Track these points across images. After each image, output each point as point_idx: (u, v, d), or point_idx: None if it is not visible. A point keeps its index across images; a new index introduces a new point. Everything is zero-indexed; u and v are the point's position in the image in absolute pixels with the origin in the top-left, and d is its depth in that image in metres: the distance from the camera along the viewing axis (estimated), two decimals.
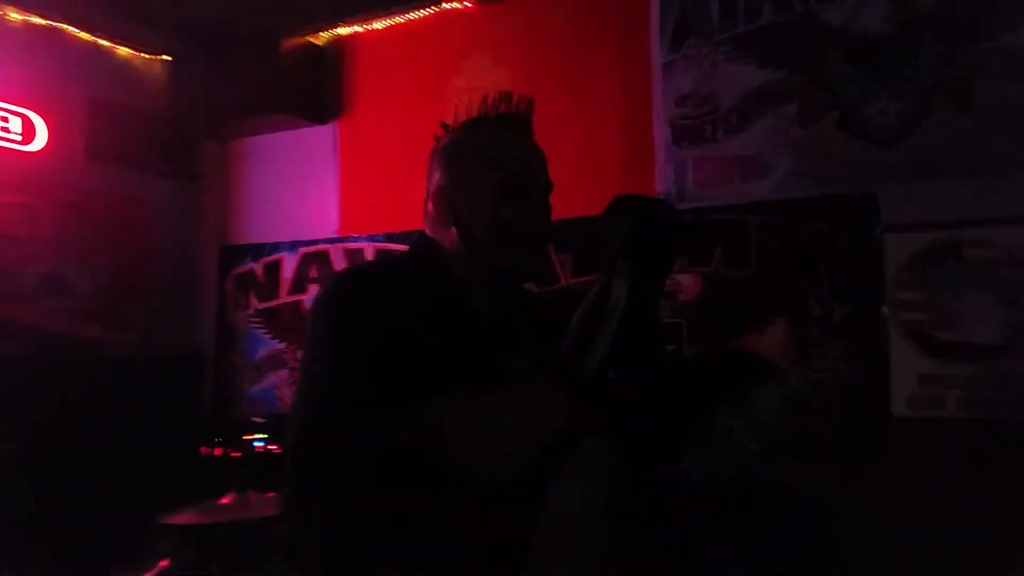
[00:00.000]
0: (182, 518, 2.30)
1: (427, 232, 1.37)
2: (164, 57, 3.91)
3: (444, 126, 1.41)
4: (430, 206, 1.35)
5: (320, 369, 1.20)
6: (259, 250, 3.96)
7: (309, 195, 3.88)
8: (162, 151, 3.91)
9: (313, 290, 3.72)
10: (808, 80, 2.82)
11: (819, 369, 2.68)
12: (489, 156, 1.31)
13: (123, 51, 3.77)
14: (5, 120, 3.22)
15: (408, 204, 3.27)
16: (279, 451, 3.06)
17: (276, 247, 3.90)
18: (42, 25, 3.41)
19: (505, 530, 1.19)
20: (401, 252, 1.43)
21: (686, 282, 2.94)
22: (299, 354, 1.12)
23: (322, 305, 1.23)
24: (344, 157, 3.80)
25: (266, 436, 3.14)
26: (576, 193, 3.27)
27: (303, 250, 3.82)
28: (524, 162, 1.32)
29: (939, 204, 2.55)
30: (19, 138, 3.27)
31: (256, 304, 3.94)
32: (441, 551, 1.15)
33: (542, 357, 1.24)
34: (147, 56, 3.86)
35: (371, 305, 1.17)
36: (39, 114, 3.34)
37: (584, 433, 1.17)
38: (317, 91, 3.82)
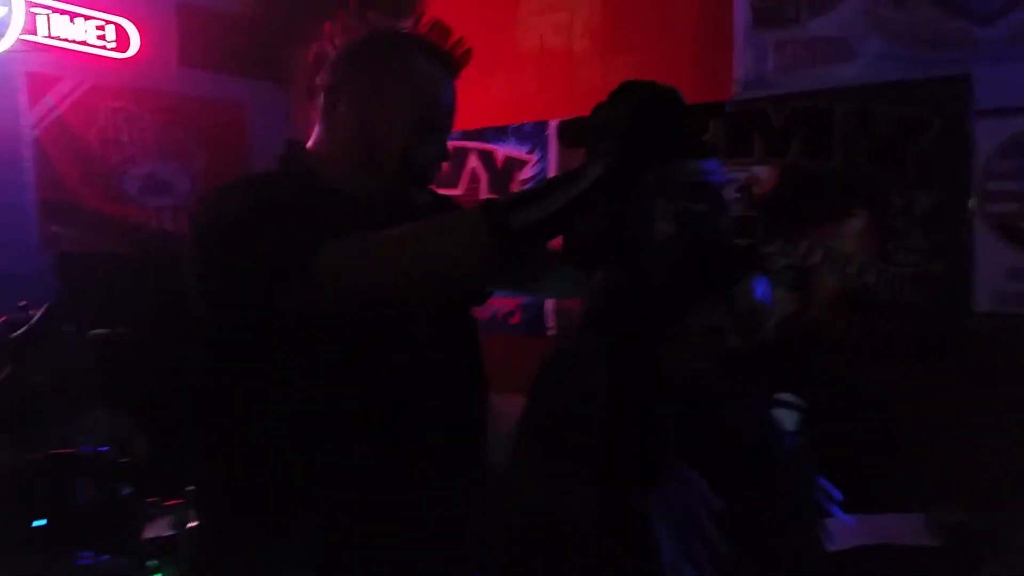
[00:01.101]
0: None
1: (316, 123, 1.33)
2: None
3: (362, 15, 1.34)
4: (331, 102, 1.29)
5: (206, 265, 1.18)
6: None
7: None
8: (252, 55, 4.01)
9: None
10: None
11: (900, 263, 2.57)
12: (417, 91, 1.26)
13: None
14: (101, 29, 3.38)
15: (484, 101, 3.28)
16: None
17: None
18: None
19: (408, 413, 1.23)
20: (270, 167, 1.37)
21: (762, 174, 2.85)
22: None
23: (196, 214, 1.23)
24: None
25: None
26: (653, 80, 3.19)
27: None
28: (447, 109, 1.30)
29: None
30: (114, 45, 3.42)
31: None
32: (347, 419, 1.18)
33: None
34: None
35: (246, 192, 1.19)
36: (132, 21, 3.48)
37: (495, 279, 1.16)
38: None
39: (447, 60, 1.30)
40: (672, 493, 1.04)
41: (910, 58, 2.59)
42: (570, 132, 1.20)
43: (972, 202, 2.45)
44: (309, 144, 1.35)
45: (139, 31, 3.50)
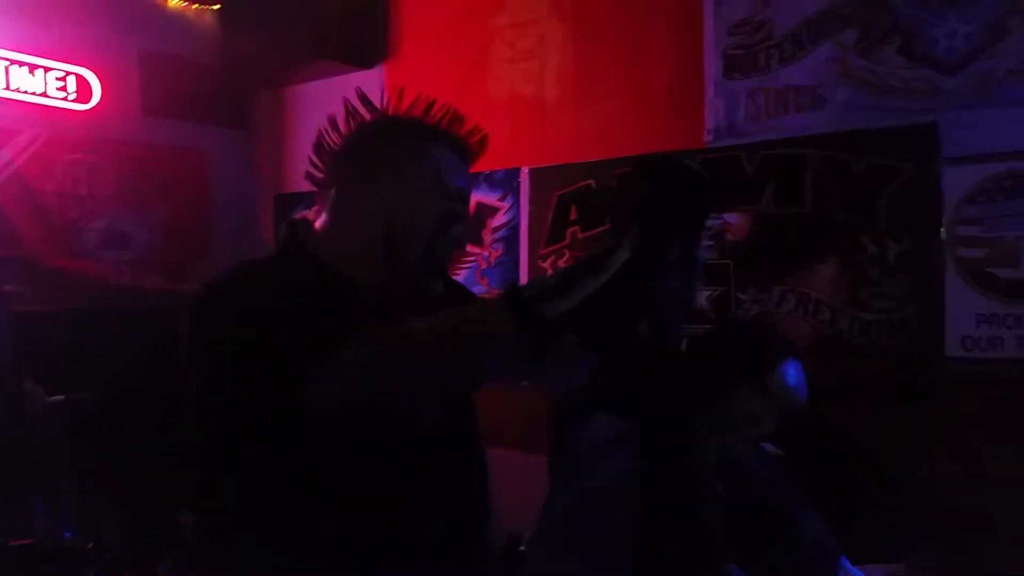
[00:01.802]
0: None
1: (322, 213, 1.28)
2: (213, 7, 3.92)
3: (366, 101, 1.30)
4: (345, 195, 1.25)
5: (211, 370, 1.15)
6: (312, 198, 3.99)
7: None
8: (215, 102, 3.96)
9: None
10: (869, 3, 2.65)
11: (872, 309, 2.58)
12: (441, 181, 1.24)
13: (173, 2, 3.80)
14: (62, 80, 3.31)
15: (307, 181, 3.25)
16: None
17: None
18: None
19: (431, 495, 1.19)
20: (270, 251, 1.33)
21: (735, 221, 2.85)
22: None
23: (198, 311, 1.18)
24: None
25: None
26: (623, 129, 3.22)
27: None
28: (466, 197, 1.29)
29: (1005, 133, 2.39)
30: (75, 96, 3.35)
31: None
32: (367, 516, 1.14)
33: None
34: (197, 6, 3.88)
35: (253, 300, 1.13)
36: (93, 71, 3.42)
37: (522, 372, 1.14)
38: (364, 36, 3.80)
39: (465, 150, 1.28)
40: None
41: (879, 107, 2.62)
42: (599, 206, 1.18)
43: (943, 248, 2.47)
44: (317, 226, 1.30)
45: (101, 81, 3.43)
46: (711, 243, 2.89)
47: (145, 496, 2.54)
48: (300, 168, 4.23)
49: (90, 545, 2.10)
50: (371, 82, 3.83)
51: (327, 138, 1.30)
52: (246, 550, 1.18)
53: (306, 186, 4.32)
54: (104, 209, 3.49)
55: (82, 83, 3.38)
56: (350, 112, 1.30)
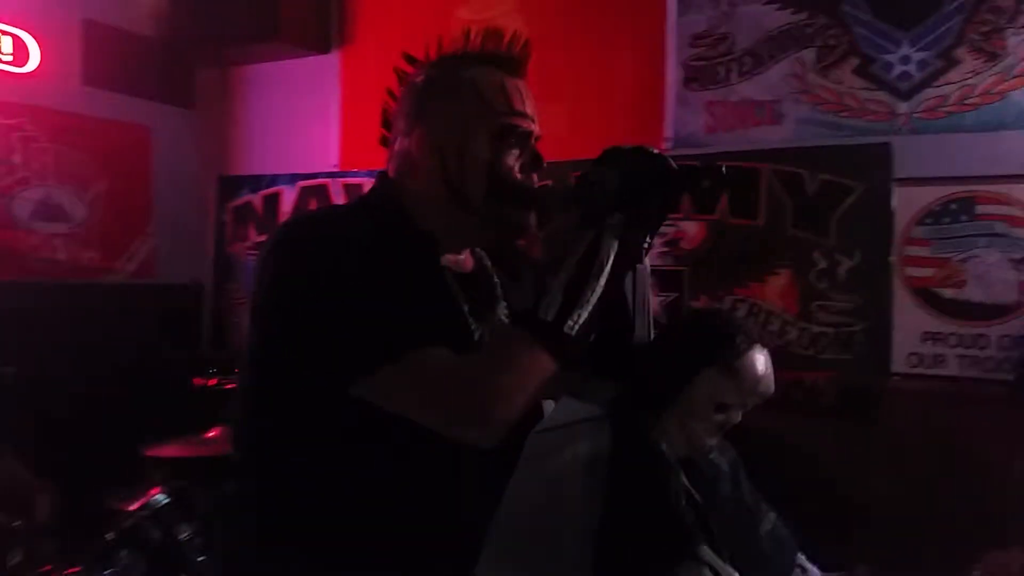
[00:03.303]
0: (167, 450, 2.30)
1: (391, 174, 1.25)
2: None
3: (411, 60, 1.28)
4: (404, 147, 1.22)
5: (270, 323, 1.13)
6: (257, 182, 3.89)
7: (309, 127, 3.79)
8: (160, 77, 3.81)
9: None
10: (829, 24, 2.72)
11: (820, 323, 2.64)
12: (485, 101, 1.19)
13: None
14: None
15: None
16: None
17: (275, 179, 3.84)
18: None
19: (468, 489, 1.16)
20: (358, 198, 1.30)
21: (689, 229, 2.89)
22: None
23: (271, 253, 1.13)
24: (345, 89, 3.70)
25: None
26: (583, 136, 3.21)
27: (302, 183, 3.75)
28: (521, 112, 1.21)
29: (955, 158, 2.48)
30: (11, 59, 3.17)
31: (255, 237, 3.89)
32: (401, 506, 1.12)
33: (517, 312, 1.17)
34: None
35: (326, 253, 1.08)
36: (32, 35, 3.24)
37: (562, 391, 1.13)
38: (319, 19, 3.71)
39: (506, 61, 1.23)
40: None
41: (835, 124, 2.69)
42: (557, 199, 1.16)
43: (892, 264, 2.55)
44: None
45: (40, 45, 3.26)
46: (666, 250, 2.93)
47: (74, 474, 2.43)
48: (246, 149, 4.14)
49: (17, 523, 1.99)
50: (325, 68, 3.75)
51: (386, 107, 1.28)
52: (288, 495, 1.14)
53: (254, 168, 4.18)
54: (39, 179, 3.31)
55: (19, 44, 3.20)
56: (400, 77, 1.27)
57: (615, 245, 1.04)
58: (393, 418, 1.05)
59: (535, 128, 1.23)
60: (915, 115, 2.57)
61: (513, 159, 1.20)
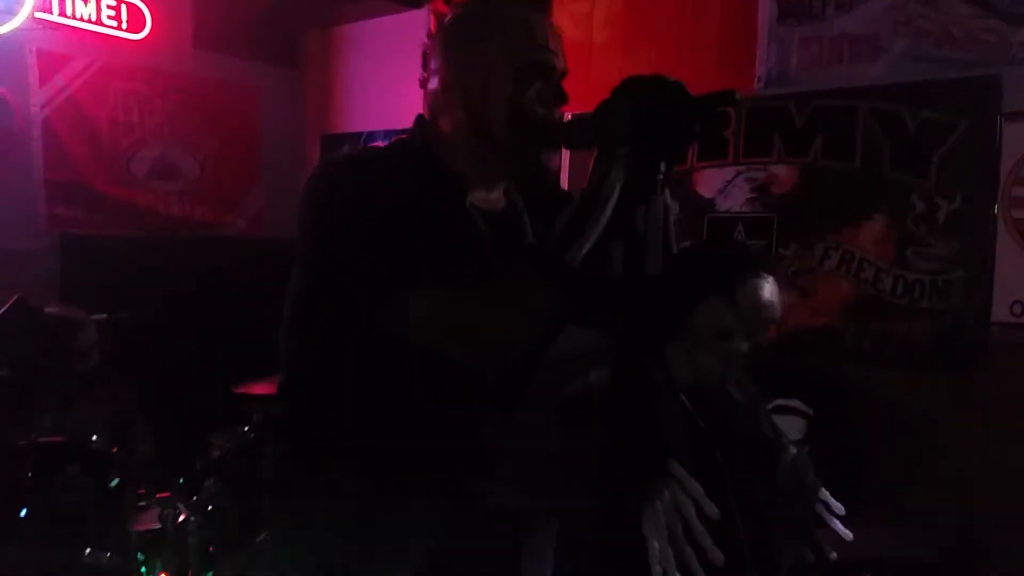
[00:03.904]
0: (257, 388, 2.44)
1: (426, 116, 1.28)
2: None
3: (448, 0, 1.29)
4: (434, 86, 1.24)
5: (305, 260, 1.20)
6: (358, 139, 4.01)
7: (405, 83, 3.84)
8: (266, 39, 3.97)
9: None
10: None
11: (917, 270, 2.49)
12: (507, 36, 1.19)
13: None
14: (113, 8, 3.34)
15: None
16: None
17: (372, 136, 3.94)
18: None
19: (475, 416, 1.19)
20: (395, 139, 1.32)
21: (781, 174, 2.77)
22: None
23: (306, 194, 1.19)
24: None
25: None
26: (670, 74, 3.11)
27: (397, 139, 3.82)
28: (544, 47, 1.21)
29: None
30: (127, 26, 3.39)
31: None
32: (412, 437, 1.17)
33: (528, 246, 1.19)
34: None
35: (355, 192, 1.13)
36: (145, 2, 3.44)
37: (571, 322, 1.13)
38: None
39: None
40: (667, 497, 0.99)
41: (938, 58, 2.50)
42: (576, 132, 1.15)
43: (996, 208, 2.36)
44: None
45: (152, 12, 3.46)
46: (755, 195, 2.82)
47: (177, 411, 2.63)
48: (349, 108, 4.25)
49: (115, 449, 2.17)
50: (421, 22, 3.79)
51: (424, 48, 1.29)
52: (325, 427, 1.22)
53: (354, 126, 4.30)
54: (155, 139, 3.55)
55: (134, 12, 3.41)
56: (436, 18, 1.28)
57: (622, 177, 1.02)
58: (413, 349, 1.11)
59: (559, 63, 1.22)
60: None
61: (536, 94, 1.19)
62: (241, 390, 2.47)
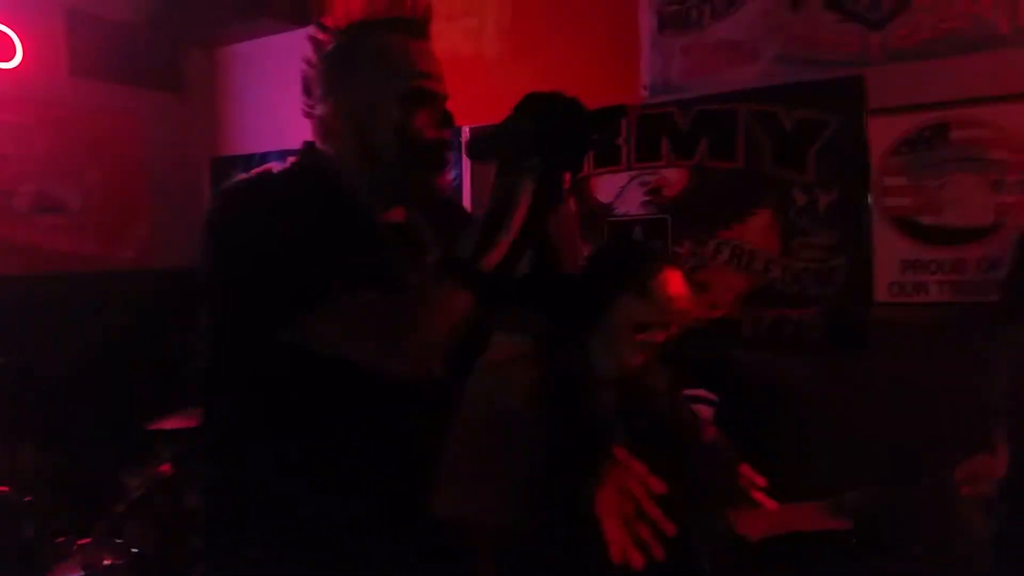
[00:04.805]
0: (170, 423, 2.38)
1: (317, 143, 1.30)
2: None
3: (323, 27, 1.30)
4: (320, 112, 1.27)
5: (212, 288, 1.19)
6: (249, 161, 3.94)
7: (297, 103, 3.81)
8: (146, 62, 3.86)
9: None
10: None
11: (803, 258, 2.66)
12: (390, 64, 1.24)
13: None
14: None
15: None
16: None
17: (265, 157, 3.88)
18: None
19: (410, 432, 1.22)
20: (286, 165, 1.33)
21: (671, 177, 2.91)
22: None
23: (207, 224, 1.19)
24: None
25: None
26: (562, 84, 3.20)
27: (292, 160, 3.78)
28: (426, 73, 1.26)
29: (928, 85, 2.47)
30: None
31: None
32: (347, 456, 1.17)
33: (442, 255, 1.23)
34: None
35: (255, 216, 1.15)
36: (15, 29, 3.29)
37: (485, 327, 1.18)
38: None
39: (407, 25, 1.27)
40: (614, 480, 1.06)
41: (808, 61, 2.68)
42: (481, 146, 1.20)
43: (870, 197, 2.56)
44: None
45: (23, 39, 3.31)
46: (649, 198, 2.95)
47: (82, 452, 2.53)
48: (237, 130, 4.18)
49: (27, 498, 2.08)
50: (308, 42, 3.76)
51: (305, 76, 1.31)
52: (247, 472, 1.21)
53: (245, 148, 4.23)
54: (35, 172, 3.39)
55: (4, 40, 3.26)
56: (315, 45, 1.31)
57: (530, 187, 1.08)
58: (340, 364, 1.11)
59: (441, 88, 1.28)
60: (887, 45, 2.56)
61: (422, 120, 1.24)
62: (156, 426, 2.39)
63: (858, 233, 2.58)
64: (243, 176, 1.24)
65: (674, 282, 1.25)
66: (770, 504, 1.29)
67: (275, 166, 1.28)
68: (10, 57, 3.29)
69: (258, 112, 3.98)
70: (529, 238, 1.09)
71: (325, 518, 1.16)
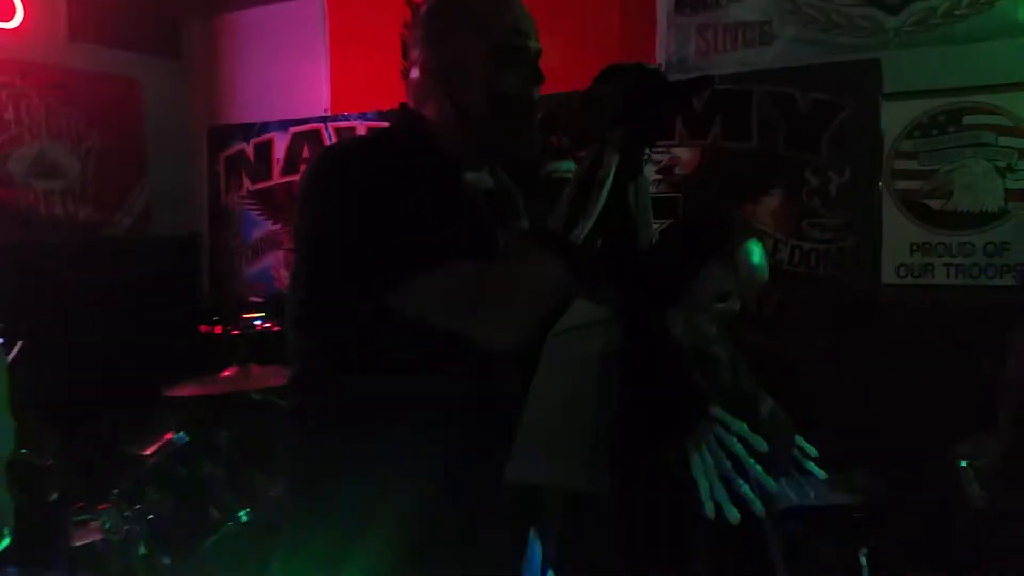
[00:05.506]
0: (186, 390, 2.36)
1: (410, 104, 1.31)
2: None
3: None
4: (415, 75, 1.27)
5: (313, 247, 1.20)
6: (248, 130, 3.89)
7: (298, 72, 3.77)
8: (146, 28, 3.78)
9: None
10: None
11: (812, 239, 2.70)
12: (480, 22, 1.23)
13: None
14: None
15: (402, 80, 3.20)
16: (277, 329, 3.07)
17: (266, 127, 3.84)
18: None
19: (496, 394, 1.24)
20: (383, 128, 1.36)
21: (684, 156, 2.93)
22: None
23: (310, 182, 1.20)
24: (333, 31, 3.68)
25: (264, 315, 3.15)
26: (575, 65, 3.19)
27: (293, 129, 3.75)
28: (517, 29, 1.25)
29: (943, 70, 2.51)
30: None
31: (249, 185, 3.91)
32: (434, 415, 1.18)
33: (533, 225, 1.24)
34: None
35: (359, 177, 1.15)
36: None
37: (576, 297, 1.20)
38: None
39: None
40: (711, 439, 1.09)
41: (824, 43, 2.71)
42: (565, 119, 1.20)
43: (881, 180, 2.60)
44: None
45: (23, 1, 3.23)
46: (660, 177, 2.97)
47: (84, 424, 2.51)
48: (236, 98, 4.11)
49: (50, 463, 2.06)
50: (311, 10, 3.72)
51: (403, 38, 1.32)
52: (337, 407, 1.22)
53: (244, 117, 4.15)
54: (32, 136, 3.32)
55: (3, 1, 3.18)
56: (411, 6, 1.31)
57: (616, 159, 1.09)
58: (426, 329, 1.13)
59: (533, 44, 1.27)
60: (904, 29, 2.59)
61: (513, 76, 1.24)
62: (171, 392, 2.37)
63: (868, 216, 2.63)
64: (341, 141, 1.24)
65: (757, 252, 1.27)
66: (821, 474, 1.32)
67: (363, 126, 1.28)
68: (9, 18, 3.21)
69: (258, 81, 3.92)
70: (614, 209, 1.10)
71: (406, 478, 1.17)
